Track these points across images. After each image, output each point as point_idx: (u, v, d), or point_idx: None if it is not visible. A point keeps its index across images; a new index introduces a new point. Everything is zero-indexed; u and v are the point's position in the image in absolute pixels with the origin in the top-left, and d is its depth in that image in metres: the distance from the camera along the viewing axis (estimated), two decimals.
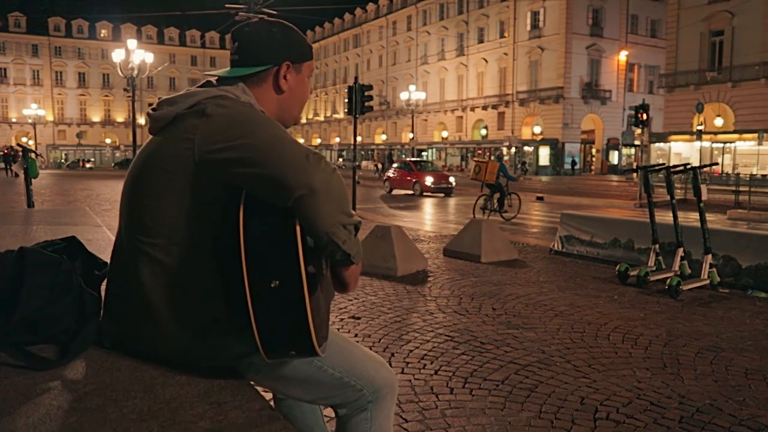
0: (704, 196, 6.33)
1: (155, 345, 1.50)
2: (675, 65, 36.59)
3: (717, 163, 14.49)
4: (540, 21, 49.79)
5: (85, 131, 73.98)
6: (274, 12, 22.50)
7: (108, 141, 76.21)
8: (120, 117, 77.79)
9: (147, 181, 1.46)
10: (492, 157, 19.75)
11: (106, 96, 77.46)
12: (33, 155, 12.17)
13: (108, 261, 1.80)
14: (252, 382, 1.54)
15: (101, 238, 3.95)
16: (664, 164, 7.72)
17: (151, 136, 1.54)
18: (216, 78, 1.58)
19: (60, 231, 4.21)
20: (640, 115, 18.74)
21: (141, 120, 67.51)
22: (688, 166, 6.64)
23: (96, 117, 77.72)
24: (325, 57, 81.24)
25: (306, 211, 1.30)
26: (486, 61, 55.44)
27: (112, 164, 68.01)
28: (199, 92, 1.49)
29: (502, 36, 53.53)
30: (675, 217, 6.69)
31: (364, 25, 73.38)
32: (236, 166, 1.34)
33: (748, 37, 32.52)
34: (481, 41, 55.70)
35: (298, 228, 1.30)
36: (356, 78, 15.14)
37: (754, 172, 27.17)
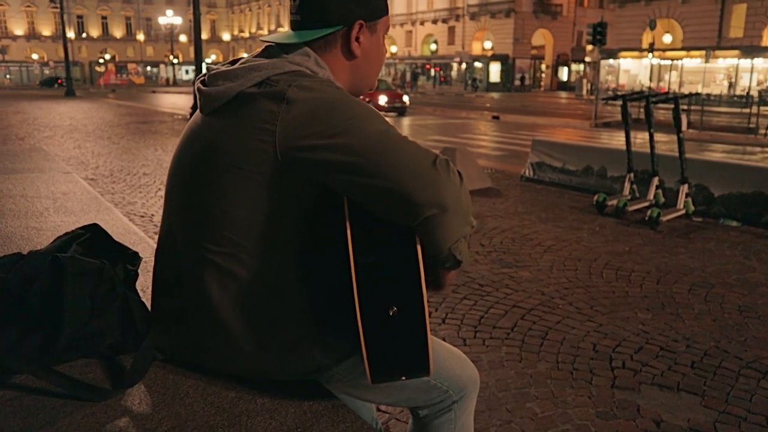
0: (684, 127, 6.32)
1: (224, 361, 1.31)
2: None
3: (699, 93, 14.85)
4: None
5: (7, 46, 68.34)
6: None
7: (35, 57, 70.78)
8: (46, 30, 71.93)
9: (210, 178, 1.20)
10: None
11: (28, 6, 71.19)
12: None
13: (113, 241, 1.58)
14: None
15: (76, 190, 3.60)
16: (643, 92, 7.65)
17: (200, 115, 1.27)
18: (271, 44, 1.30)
19: (27, 180, 3.81)
20: (599, 33, 18.56)
21: (71, 34, 62.97)
22: (670, 95, 6.57)
23: (19, 30, 71.58)
24: None
25: (433, 229, 1.09)
26: None
27: (38, 82, 62.99)
28: (264, 65, 1.21)
29: None
30: (652, 146, 6.70)
31: None
32: (337, 171, 1.10)
33: None
34: None
35: (418, 246, 1.10)
36: None
37: (699, 90, 27.69)
